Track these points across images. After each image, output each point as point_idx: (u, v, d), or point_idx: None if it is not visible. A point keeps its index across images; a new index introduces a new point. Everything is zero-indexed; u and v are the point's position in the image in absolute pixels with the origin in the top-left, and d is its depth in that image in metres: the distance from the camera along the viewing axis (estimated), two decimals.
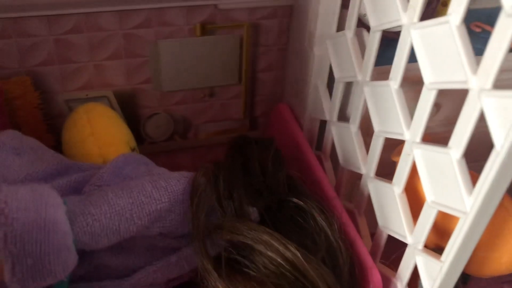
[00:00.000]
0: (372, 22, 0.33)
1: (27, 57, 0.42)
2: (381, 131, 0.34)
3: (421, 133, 0.30)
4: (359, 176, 0.39)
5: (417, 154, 0.30)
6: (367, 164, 0.37)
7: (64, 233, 0.26)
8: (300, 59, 0.45)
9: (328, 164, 0.44)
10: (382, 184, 0.35)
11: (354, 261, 0.33)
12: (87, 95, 0.45)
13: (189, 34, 0.45)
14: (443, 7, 0.43)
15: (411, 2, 0.29)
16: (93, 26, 0.42)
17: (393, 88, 0.31)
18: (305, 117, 0.46)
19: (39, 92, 0.43)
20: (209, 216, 0.32)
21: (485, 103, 0.24)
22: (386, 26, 0.31)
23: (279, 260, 0.29)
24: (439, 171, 0.28)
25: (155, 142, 0.51)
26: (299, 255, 0.29)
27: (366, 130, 0.38)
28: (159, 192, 0.30)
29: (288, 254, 0.29)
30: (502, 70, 0.23)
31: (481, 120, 0.25)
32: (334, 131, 0.41)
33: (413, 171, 0.31)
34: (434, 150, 0.28)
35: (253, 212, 0.32)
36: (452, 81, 0.26)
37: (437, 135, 0.36)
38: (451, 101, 0.38)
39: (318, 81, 0.43)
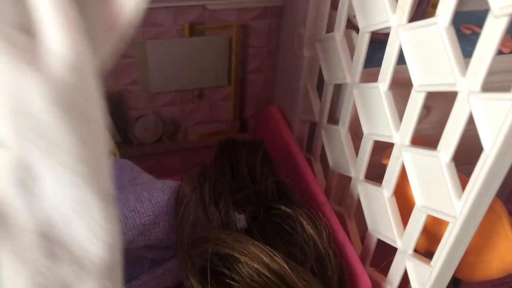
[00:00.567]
0: (360, 24, 0.32)
1: None
2: (370, 133, 0.34)
3: (410, 136, 0.29)
4: (349, 179, 0.38)
5: (406, 157, 0.30)
6: (356, 167, 0.36)
7: None
8: (290, 61, 0.44)
9: (318, 167, 0.44)
10: (371, 187, 0.34)
11: (343, 269, 0.33)
12: None
13: (178, 35, 0.45)
14: (433, 8, 0.42)
15: (399, 3, 0.28)
16: None
17: (382, 90, 0.31)
18: (295, 119, 0.45)
19: None
20: (195, 227, 0.31)
21: (474, 105, 0.23)
22: (375, 28, 0.31)
23: (265, 272, 0.28)
24: (428, 175, 0.28)
25: (143, 144, 0.50)
26: (286, 266, 0.28)
27: (355, 133, 0.38)
28: (143, 205, 0.30)
29: (274, 265, 0.28)
30: (491, 72, 0.23)
31: (469, 123, 0.24)
32: (324, 133, 0.41)
33: (403, 174, 0.31)
34: (423, 153, 0.28)
35: (241, 220, 0.31)
36: (440, 84, 0.26)
37: (428, 137, 0.36)
38: (442, 104, 0.38)
39: (308, 83, 0.43)
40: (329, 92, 0.39)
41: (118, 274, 0.19)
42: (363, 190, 0.36)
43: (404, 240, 0.32)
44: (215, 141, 0.44)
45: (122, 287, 0.20)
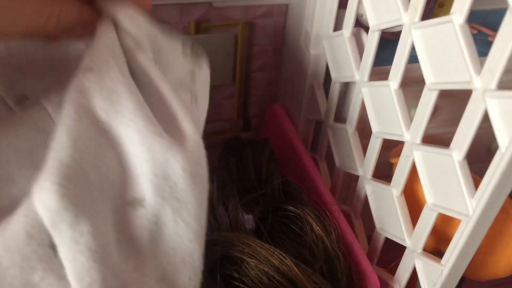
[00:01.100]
0: (371, 22, 0.32)
1: None
2: (380, 132, 0.34)
3: (422, 135, 0.29)
4: (354, 178, 0.38)
5: (417, 155, 0.30)
6: (364, 166, 0.36)
7: None
8: (296, 59, 0.44)
9: (323, 166, 0.44)
10: (380, 186, 0.34)
11: (352, 270, 0.33)
12: None
13: (183, 32, 0.44)
14: (439, 8, 0.43)
15: (412, 2, 0.28)
16: None
17: (392, 88, 0.31)
18: (300, 118, 0.45)
19: None
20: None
21: (490, 104, 0.23)
22: (386, 26, 0.31)
23: (275, 275, 0.28)
24: (440, 173, 0.28)
25: None
26: (295, 269, 0.28)
27: (362, 131, 0.38)
28: None
29: (284, 268, 0.28)
30: (507, 70, 0.23)
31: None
32: (330, 132, 0.41)
33: (411, 173, 0.31)
34: (435, 152, 0.28)
35: (249, 220, 0.31)
36: (455, 82, 0.26)
37: (434, 136, 0.36)
38: (449, 103, 0.38)
39: (314, 81, 0.42)
40: (336, 90, 0.39)
41: None
42: (371, 189, 0.36)
43: (414, 239, 0.31)
44: (218, 140, 0.44)
45: None
